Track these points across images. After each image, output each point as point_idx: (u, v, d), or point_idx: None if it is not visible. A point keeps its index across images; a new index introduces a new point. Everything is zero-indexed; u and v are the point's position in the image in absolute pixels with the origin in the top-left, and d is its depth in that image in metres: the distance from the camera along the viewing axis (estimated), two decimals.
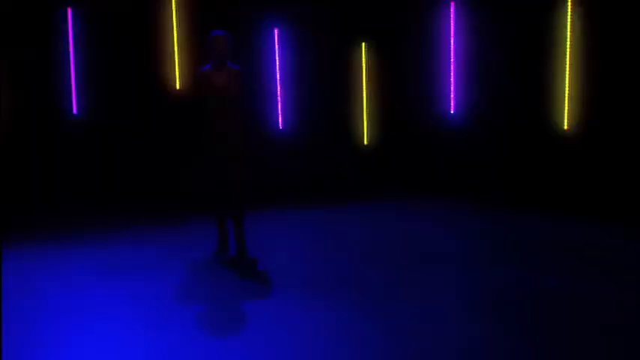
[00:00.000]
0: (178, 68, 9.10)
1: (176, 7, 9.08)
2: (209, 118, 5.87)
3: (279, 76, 9.58)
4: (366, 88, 9.89)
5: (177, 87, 9.09)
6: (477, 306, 4.99)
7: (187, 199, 8.62)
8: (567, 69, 8.21)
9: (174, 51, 9.07)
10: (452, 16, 9.31)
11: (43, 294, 5.29)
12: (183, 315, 4.81)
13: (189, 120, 6.02)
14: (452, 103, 9.36)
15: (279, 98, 9.59)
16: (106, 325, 4.61)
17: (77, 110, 8.82)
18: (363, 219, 7.92)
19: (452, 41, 9.32)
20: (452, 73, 9.34)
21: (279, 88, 9.58)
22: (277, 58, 9.57)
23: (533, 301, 5.05)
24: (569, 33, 8.18)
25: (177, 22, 9.07)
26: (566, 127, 8.29)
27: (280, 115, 9.62)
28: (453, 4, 9.28)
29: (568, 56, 8.20)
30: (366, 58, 9.87)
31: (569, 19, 8.17)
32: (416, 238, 6.98)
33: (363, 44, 9.87)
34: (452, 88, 9.34)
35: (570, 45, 8.18)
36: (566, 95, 8.25)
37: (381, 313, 4.82)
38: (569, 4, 8.17)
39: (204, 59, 6.06)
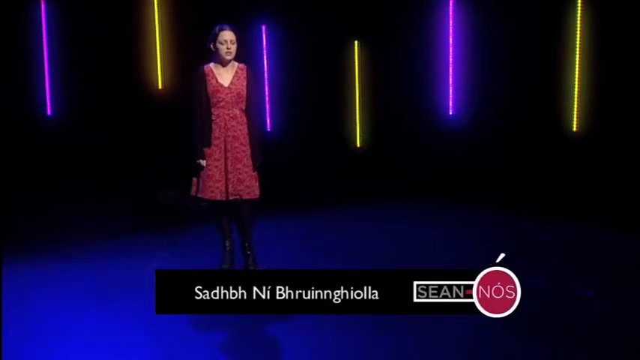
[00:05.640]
0: (161, 66, 9.14)
1: (159, 1, 9.15)
2: (212, 123, 5.56)
3: (268, 76, 9.70)
4: (360, 89, 10.01)
5: (160, 86, 9.13)
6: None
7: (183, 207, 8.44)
8: (577, 68, 8.35)
9: (156, 47, 9.10)
10: (451, 14, 9.44)
11: (41, 313, 5.19)
12: (197, 341, 4.72)
13: (188, 126, 5.69)
14: (450, 104, 9.47)
15: (267, 99, 9.71)
16: (113, 352, 4.54)
17: (51, 111, 8.89)
18: (363, 222, 8.02)
19: (450, 40, 9.44)
20: (450, 73, 9.45)
21: (267, 88, 9.70)
22: (265, 57, 9.69)
23: (533, 301, 5.13)
24: (578, 29, 8.30)
25: (159, 17, 9.12)
26: (575, 128, 8.43)
27: (269, 117, 9.73)
28: (451, 2, 9.41)
29: (578, 55, 8.34)
30: (359, 57, 10.00)
31: (578, 15, 8.29)
32: (417, 241, 7.12)
33: (357, 43, 10.00)
34: (450, 88, 9.46)
35: (580, 43, 8.30)
36: (576, 96, 8.39)
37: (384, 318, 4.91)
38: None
39: (208, 56, 5.67)
